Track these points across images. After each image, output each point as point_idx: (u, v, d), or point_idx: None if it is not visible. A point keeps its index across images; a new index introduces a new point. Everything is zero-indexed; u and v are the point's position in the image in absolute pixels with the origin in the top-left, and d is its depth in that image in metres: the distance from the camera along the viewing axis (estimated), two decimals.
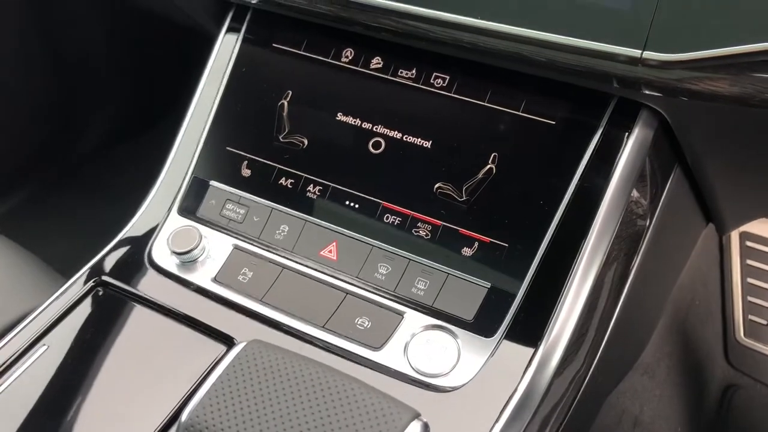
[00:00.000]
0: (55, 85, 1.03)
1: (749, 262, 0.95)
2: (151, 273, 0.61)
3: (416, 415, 0.46)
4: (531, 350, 0.52)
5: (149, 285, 0.61)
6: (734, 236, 0.94)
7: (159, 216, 0.64)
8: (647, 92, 0.52)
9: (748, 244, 0.94)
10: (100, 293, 0.61)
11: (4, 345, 0.57)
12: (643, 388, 0.90)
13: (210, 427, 0.44)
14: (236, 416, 0.44)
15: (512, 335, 0.53)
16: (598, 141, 0.55)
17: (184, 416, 0.45)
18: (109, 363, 0.56)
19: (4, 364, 0.56)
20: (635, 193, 0.55)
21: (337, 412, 0.44)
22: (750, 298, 0.98)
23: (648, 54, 0.49)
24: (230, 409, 0.44)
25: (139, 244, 0.63)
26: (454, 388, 0.52)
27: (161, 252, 0.62)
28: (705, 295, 0.98)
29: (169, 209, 0.64)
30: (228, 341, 0.56)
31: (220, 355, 0.54)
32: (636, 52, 0.49)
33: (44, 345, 0.57)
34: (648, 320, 0.73)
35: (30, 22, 0.98)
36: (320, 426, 0.43)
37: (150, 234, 0.64)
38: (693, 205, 0.66)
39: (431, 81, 0.61)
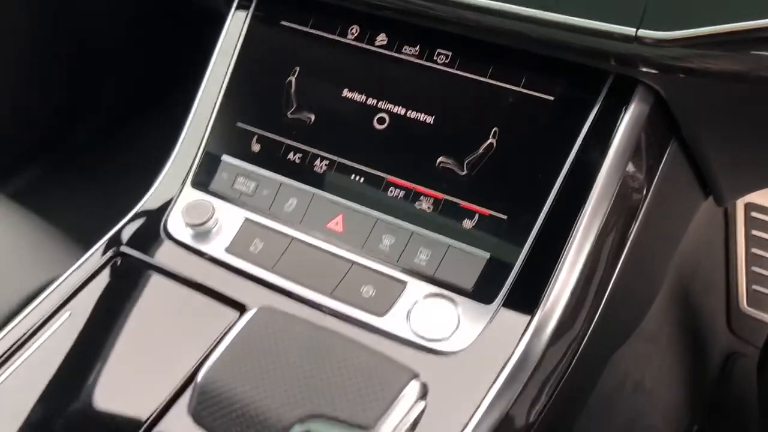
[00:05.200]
0: (65, 63, 1.04)
1: (754, 232, 0.96)
2: (166, 244, 0.64)
3: (414, 376, 0.49)
4: (528, 317, 0.54)
5: (165, 255, 0.63)
6: (739, 206, 0.94)
7: (173, 189, 0.67)
8: (644, 69, 0.53)
9: (753, 214, 0.95)
10: (119, 263, 0.64)
11: (30, 311, 0.61)
12: (646, 354, 0.91)
13: (223, 387, 0.47)
14: (248, 377, 0.47)
15: (510, 303, 0.55)
16: (594, 116, 0.57)
17: (199, 378, 0.48)
18: (128, 328, 0.59)
19: (31, 328, 0.60)
20: (631, 167, 0.57)
21: (342, 372, 0.46)
22: (754, 268, 0.99)
23: (643, 32, 0.50)
24: (242, 370, 0.47)
25: (155, 216, 0.66)
26: (454, 352, 0.55)
27: (176, 224, 0.65)
28: (709, 264, 0.99)
29: (183, 182, 0.67)
30: (240, 308, 0.59)
31: (233, 321, 0.57)
32: (631, 30, 0.50)
33: (68, 311, 0.60)
34: (647, 288, 0.75)
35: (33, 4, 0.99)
36: (326, 386, 0.46)
37: (165, 206, 0.66)
38: (690, 179, 0.67)
39: (434, 57, 0.62)
